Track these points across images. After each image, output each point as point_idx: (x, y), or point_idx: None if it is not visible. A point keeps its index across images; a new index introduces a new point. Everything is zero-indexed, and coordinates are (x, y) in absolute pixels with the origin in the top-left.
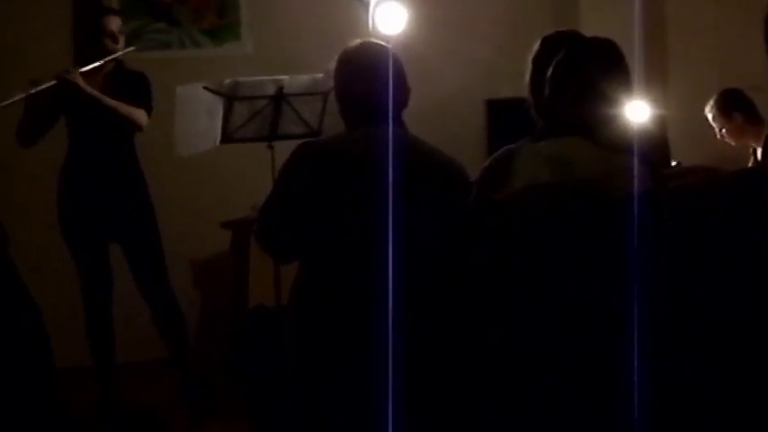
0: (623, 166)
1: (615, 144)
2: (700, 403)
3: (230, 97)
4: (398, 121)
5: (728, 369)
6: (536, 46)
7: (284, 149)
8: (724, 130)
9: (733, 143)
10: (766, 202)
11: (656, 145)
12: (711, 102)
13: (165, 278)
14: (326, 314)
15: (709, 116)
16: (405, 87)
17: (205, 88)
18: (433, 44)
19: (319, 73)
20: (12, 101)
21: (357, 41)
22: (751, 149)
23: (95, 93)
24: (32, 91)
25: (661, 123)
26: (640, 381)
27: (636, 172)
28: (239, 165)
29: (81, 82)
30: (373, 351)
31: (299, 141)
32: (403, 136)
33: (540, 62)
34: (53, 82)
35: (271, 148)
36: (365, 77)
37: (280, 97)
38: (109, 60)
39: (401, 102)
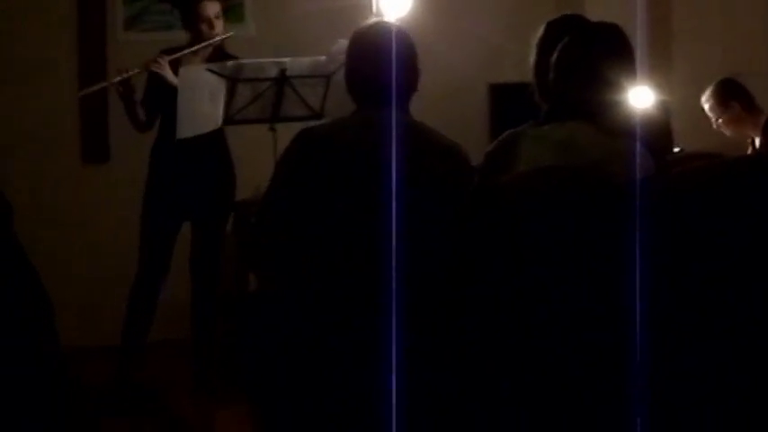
0: (626, 150)
1: (619, 129)
2: (704, 392)
3: (233, 79)
4: (403, 106)
5: (733, 357)
6: (541, 30)
7: (286, 131)
8: (721, 120)
9: (729, 133)
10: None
11: (659, 130)
12: (708, 92)
13: (220, 259)
14: (327, 301)
15: (706, 106)
16: (413, 71)
17: (208, 70)
18: (436, 28)
19: (322, 55)
20: (93, 89)
21: (370, 22)
22: (749, 140)
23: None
24: (115, 80)
25: (664, 109)
26: (644, 367)
27: (639, 157)
28: (241, 147)
29: (167, 72)
30: (374, 340)
31: (301, 123)
32: (405, 121)
33: (544, 47)
34: (137, 71)
35: (273, 130)
36: (371, 59)
37: (282, 79)
38: (203, 46)
39: (408, 86)
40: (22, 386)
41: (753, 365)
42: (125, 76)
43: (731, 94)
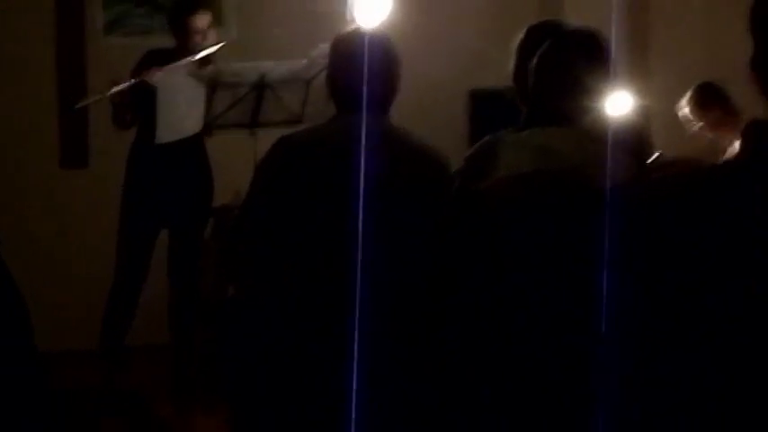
0: (605, 156)
1: (598, 134)
2: (681, 397)
3: (212, 84)
4: (384, 111)
5: (710, 362)
6: (521, 35)
7: (267, 136)
8: (702, 124)
9: (710, 136)
10: (747, 193)
11: (638, 136)
12: (686, 97)
13: (197, 263)
14: (306, 309)
15: (685, 111)
16: (394, 77)
17: (188, 75)
18: (416, 33)
19: (302, 59)
20: (91, 101)
21: (352, 27)
22: (728, 142)
23: None
24: (111, 92)
25: (643, 114)
26: (621, 371)
27: (618, 162)
28: (222, 151)
29: (159, 83)
30: (354, 347)
31: (281, 128)
32: (386, 126)
33: (524, 52)
34: (132, 82)
35: (253, 134)
36: (353, 65)
37: (262, 84)
38: (199, 57)
39: (389, 91)
40: (24, 385)
41: (729, 370)
42: (122, 87)
43: (712, 97)
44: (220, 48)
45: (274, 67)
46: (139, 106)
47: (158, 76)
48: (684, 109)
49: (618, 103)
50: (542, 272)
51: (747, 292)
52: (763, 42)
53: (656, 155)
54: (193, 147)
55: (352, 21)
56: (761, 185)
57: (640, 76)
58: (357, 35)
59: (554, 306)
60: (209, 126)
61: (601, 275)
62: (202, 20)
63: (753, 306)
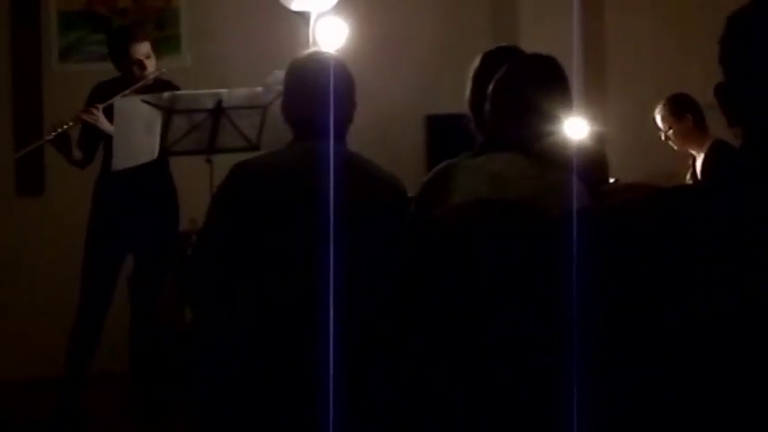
0: (561, 182)
1: (554, 161)
2: (645, 415)
3: (169, 110)
4: (341, 137)
5: (675, 379)
6: (477, 61)
7: (223, 163)
8: (671, 132)
9: (676, 147)
10: (705, 214)
11: (594, 162)
12: (662, 103)
13: (160, 291)
14: (262, 336)
15: (658, 117)
16: (351, 102)
17: (144, 101)
18: (373, 59)
19: (258, 86)
20: (31, 148)
21: (308, 52)
22: (690, 160)
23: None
24: (50, 137)
25: (599, 140)
26: (585, 391)
27: (574, 189)
28: (178, 178)
29: (101, 122)
30: (313, 371)
31: (238, 155)
32: (341, 152)
33: (480, 78)
34: (71, 124)
35: (209, 161)
36: (309, 90)
37: (218, 111)
38: (136, 88)
39: (346, 117)
40: None
41: (691, 386)
42: (59, 131)
43: (686, 106)
44: (159, 74)
45: (231, 94)
46: (94, 139)
47: (97, 115)
48: (657, 115)
49: (575, 129)
50: (498, 300)
51: (707, 308)
52: (730, 73)
53: (613, 180)
54: (158, 172)
55: (313, 46)
56: (717, 207)
57: (596, 102)
58: (313, 61)
59: (512, 335)
60: (166, 152)
61: (564, 298)
62: (142, 49)
63: (713, 322)
